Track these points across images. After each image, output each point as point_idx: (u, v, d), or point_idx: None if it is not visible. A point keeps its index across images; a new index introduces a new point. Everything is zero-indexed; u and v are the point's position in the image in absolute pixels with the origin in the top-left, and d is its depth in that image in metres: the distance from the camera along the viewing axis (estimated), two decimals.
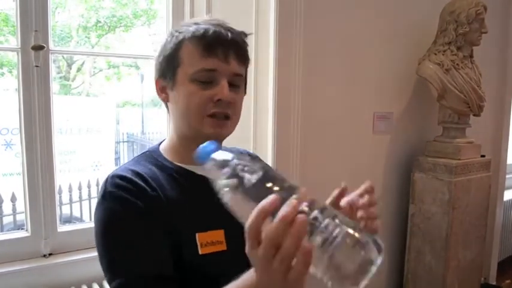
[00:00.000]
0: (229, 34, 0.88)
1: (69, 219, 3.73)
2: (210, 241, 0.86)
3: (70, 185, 3.68)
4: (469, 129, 2.23)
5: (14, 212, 3.62)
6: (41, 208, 1.60)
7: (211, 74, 0.87)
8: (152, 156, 0.95)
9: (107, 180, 0.86)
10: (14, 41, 1.57)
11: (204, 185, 0.90)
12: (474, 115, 2.18)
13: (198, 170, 0.92)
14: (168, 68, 0.91)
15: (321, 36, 1.85)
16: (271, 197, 0.53)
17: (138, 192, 0.83)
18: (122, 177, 0.84)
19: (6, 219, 3.69)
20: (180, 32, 0.90)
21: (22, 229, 1.67)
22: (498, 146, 2.91)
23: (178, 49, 0.89)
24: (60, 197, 3.32)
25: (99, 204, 0.84)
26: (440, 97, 2.12)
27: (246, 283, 0.65)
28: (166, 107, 0.97)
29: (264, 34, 1.70)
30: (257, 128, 1.77)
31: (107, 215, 0.82)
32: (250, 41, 1.70)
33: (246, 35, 0.95)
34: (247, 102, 1.75)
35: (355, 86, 2.03)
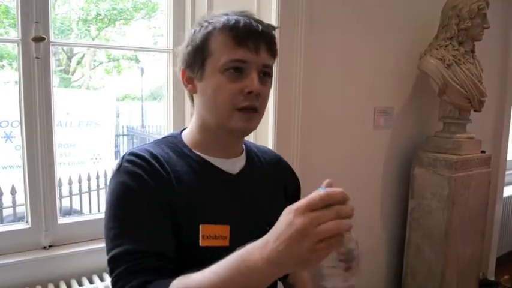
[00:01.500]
0: (260, 26, 0.88)
1: (69, 212, 3.74)
2: (212, 234, 0.86)
3: (70, 178, 3.69)
4: (470, 125, 2.23)
5: (14, 205, 3.63)
6: (41, 200, 1.60)
7: (242, 65, 0.86)
8: (173, 141, 0.95)
9: (123, 156, 0.87)
10: (14, 33, 1.56)
11: (219, 178, 0.93)
12: (475, 111, 2.18)
13: (216, 162, 0.93)
14: (197, 58, 0.90)
15: (322, 30, 1.84)
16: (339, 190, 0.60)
17: (152, 171, 0.84)
18: (138, 155, 0.85)
19: (6, 212, 3.70)
20: (209, 23, 0.89)
21: (22, 221, 1.67)
22: (498, 142, 2.91)
23: (208, 40, 0.88)
24: (60, 189, 3.32)
25: (112, 177, 0.85)
26: (442, 92, 2.11)
27: (252, 253, 0.66)
28: (191, 98, 0.96)
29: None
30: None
31: (119, 188, 0.83)
32: None
33: (274, 28, 0.94)
34: None
35: (355, 80, 2.02)
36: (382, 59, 2.11)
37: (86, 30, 6.09)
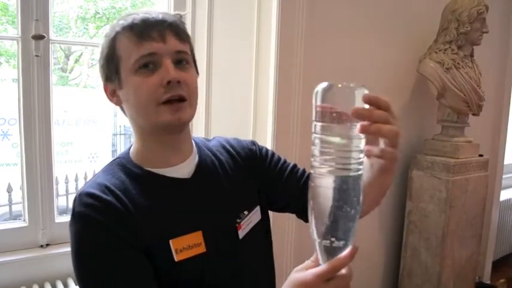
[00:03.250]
0: (160, 15, 0.83)
1: (65, 211, 3.72)
2: (186, 245, 0.83)
3: (66, 176, 3.67)
4: (468, 129, 2.23)
5: (10, 203, 3.61)
6: (38, 198, 1.60)
7: (152, 58, 0.81)
8: (122, 163, 0.89)
9: (75, 198, 0.82)
10: (12, 31, 1.56)
11: (177, 187, 0.88)
12: (473, 114, 2.19)
13: (168, 173, 0.88)
14: (110, 68, 0.85)
15: (321, 34, 1.84)
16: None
17: (106, 209, 0.79)
18: (88, 194, 0.80)
19: (2, 210, 3.68)
20: (111, 30, 0.85)
21: (19, 219, 1.67)
22: (496, 146, 2.92)
23: (113, 46, 0.84)
24: (56, 188, 3.31)
25: (70, 224, 0.80)
26: (440, 96, 2.12)
27: None
28: (122, 110, 0.91)
29: (266, 31, 1.70)
30: (257, 122, 1.76)
31: (78, 239, 0.79)
32: (252, 37, 1.71)
33: (180, 15, 0.90)
34: (247, 97, 1.75)
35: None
36: (381, 62, 2.12)
37: (84, 28, 6.07)
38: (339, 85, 0.59)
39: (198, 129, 1.84)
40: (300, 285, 0.62)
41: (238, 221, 0.92)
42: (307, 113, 1.80)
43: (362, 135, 0.60)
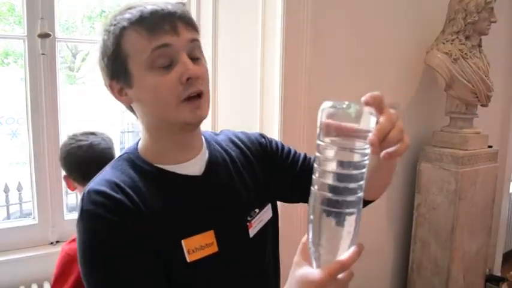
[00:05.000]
0: (169, 6, 0.78)
1: (74, 208, 3.75)
2: (198, 246, 0.80)
3: None
4: (477, 120, 2.21)
5: (21, 201, 3.65)
6: (48, 196, 1.61)
7: (167, 51, 0.76)
8: (130, 158, 0.85)
9: (83, 196, 0.78)
10: (19, 31, 1.57)
11: (188, 185, 0.85)
12: (482, 105, 2.16)
13: (179, 169, 0.85)
14: (117, 66, 0.79)
15: (328, 26, 1.83)
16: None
17: (117, 208, 0.76)
18: (98, 192, 0.76)
19: (13, 208, 3.72)
20: (114, 25, 0.78)
21: (29, 217, 1.68)
22: (505, 137, 2.89)
23: (120, 43, 0.78)
24: (66, 186, 3.33)
25: (77, 222, 0.77)
26: (448, 87, 2.10)
27: None
28: (131, 109, 0.86)
29: (271, 19, 1.69)
30: (263, 115, 1.76)
31: (87, 238, 0.76)
32: (257, 28, 1.71)
33: (183, 3, 0.85)
34: (253, 91, 1.75)
35: (361, 75, 2.01)
36: (388, 53, 2.10)
37: (90, 27, 6.10)
38: (344, 105, 0.57)
39: (204, 122, 1.84)
40: (308, 284, 0.61)
41: (249, 219, 0.90)
42: (314, 104, 1.80)
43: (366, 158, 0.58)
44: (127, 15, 0.77)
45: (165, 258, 0.78)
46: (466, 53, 2.05)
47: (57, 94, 1.58)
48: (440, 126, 2.25)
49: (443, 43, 2.09)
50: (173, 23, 0.76)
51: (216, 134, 1.02)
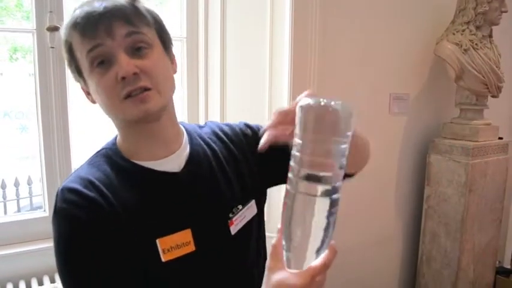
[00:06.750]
0: (104, 5, 0.75)
1: None
2: (174, 245, 0.79)
3: None
4: (487, 111, 2.19)
5: (31, 195, 3.68)
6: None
7: (101, 51, 0.75)
8: (108, 154, 0.84)
9: (57, 193, 0.77)
10: (27, 25, 1.57)
11: (166, 182, 0.82)
12: (492, 96, 2.14)
13: (157, 166, 0.82)
14: (73, 69, 0.81)
15: (337, 16, 1.82)
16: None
17: (90, 206, 0.74)
18: (71, 190, 0.75)
19: (23, 202, 3.75)
20: (63, 33, 0.79)
21: (39, 210, 1.70)
22: None
23: (69, 49, 0.79)
24: None
25: (52, 220, 0.77)
26: (458, 78, 2.08)
27: None
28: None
29: (280, 13, 1.68)
30: (272, 108, 1.75)
31: (59, 238, 0.75)
32: (265, 22, 1.70)
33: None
34: (262, 84, 1.74)
35: (371, 66, 2.00)
36: (397, 44, 2.08)
37: None
38: (321, 103, 0.56)
39: (214, 114, 1.84)
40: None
41: (230, 216, 0.87)
42: (323, 92, 1.79)
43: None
44: (67, 20, 0.78)
45: (140, 258, 0.76)
46: (476, 44, 2.03)
47: (66, 87, 1.59)
48: (450, 117, 2.23)
49: (454, 34, 2.07)
50: (106, 25, 0.74)
51: (201, 127, 0.99)
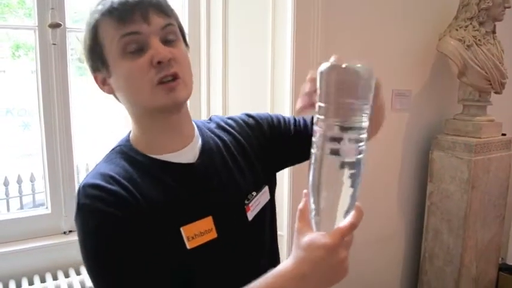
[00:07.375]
0: None
1: None
2: (198, 232, 0.81)
3: (87, 164, 3.73)
4: (490, 107, 2.18)
5: (33, 192, 3.70)
6: (60, 186, 1.63)
7: (136, 37, 0.76)
8: (123, 150, 0.85)
9: (79, 191, 0.78)
10: (29, 22, 1.57)
11: (183, 173, 0.85)
12: (495, 92, 2.13)
13: (173, 158, 0.85)
14: (95, 57, 0.81)
15: (339, 11, 1.81)
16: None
17: (114, 200, 0.75)
18: (93, 186, 0.76)
19: (26, 199, 3.77)
20: (90, 18, 0.80)
21: (42, 207, 1.70)
22: None
23: (95, 35, 0.79)
24: (78, 176, 3.37)
25: (75, 218, 0.77)
26: (461, 74, 2.07)
27: (287, 271, 0.66)
28: (116, 98, 0.87)
29: (282, 10, 1.67)
30: (274, 105, 1.75)
31: (87, 232, 0.75)
32: (267, 19, 1.69)
33: None
34: (264, 81, 1.74)
35: (373, 62, 1.97)
36: (400, 40, 2.07)
37: None
38: (343, 65, 0.58)
39: (215, 111, 1.84)
40: (318, 249, 0.62)
41: (246, 202, 0.90)
42: None
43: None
44: (100, 7, 0.78)
45: (166, 247, 0.78)
46: (479, 40, 2.02)
47: (68, 84, 1.59)
48: (453, 114, 2.22)
49: (457, 29, 2.06)
50: (143, 12, 0.76)
51: (208, 122, 1.02)
